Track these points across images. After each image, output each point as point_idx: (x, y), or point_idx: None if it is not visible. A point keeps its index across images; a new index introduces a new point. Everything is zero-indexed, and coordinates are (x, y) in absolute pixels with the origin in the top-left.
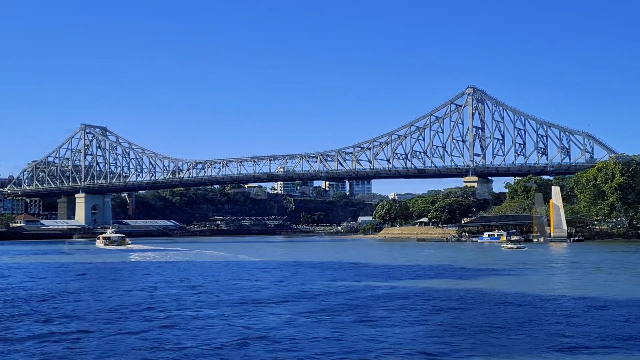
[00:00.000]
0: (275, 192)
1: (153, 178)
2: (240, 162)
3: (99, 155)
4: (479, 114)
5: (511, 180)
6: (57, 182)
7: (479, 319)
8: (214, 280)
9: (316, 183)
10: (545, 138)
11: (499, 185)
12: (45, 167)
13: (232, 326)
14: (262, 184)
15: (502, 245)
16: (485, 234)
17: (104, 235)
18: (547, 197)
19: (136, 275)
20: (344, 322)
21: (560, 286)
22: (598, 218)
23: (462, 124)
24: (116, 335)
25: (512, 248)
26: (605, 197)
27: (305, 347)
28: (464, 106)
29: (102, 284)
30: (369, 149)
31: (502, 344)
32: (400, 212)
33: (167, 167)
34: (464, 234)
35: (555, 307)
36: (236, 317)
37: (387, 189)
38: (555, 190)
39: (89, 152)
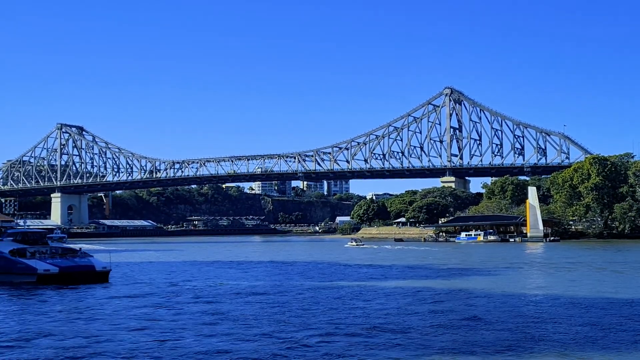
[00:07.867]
0: (253, 192)
1: (130, 178)
2: (218, 161)
3: (75, 155)
4: (457, 114)
5: (488, 180)
6: (33, 182)
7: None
8: None
9: (294, 183)
10: (521, 139)
11: (476, 185)
12: (20, 167)
13: None
14: (240, 184)
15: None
16: (463, 234)
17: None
18: (523, 198)
19: None
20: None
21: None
22: (574, 218)
23: (440, 124)
24: None
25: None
26: (581, 198)
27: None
28: (442, 107)
29: None
30: (347, 149)
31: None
32: (378, 212)
33: (144, 167)
34: (441, 234)
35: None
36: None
37: (365, 189)
38: (532, 191)
39: (65, 151)
